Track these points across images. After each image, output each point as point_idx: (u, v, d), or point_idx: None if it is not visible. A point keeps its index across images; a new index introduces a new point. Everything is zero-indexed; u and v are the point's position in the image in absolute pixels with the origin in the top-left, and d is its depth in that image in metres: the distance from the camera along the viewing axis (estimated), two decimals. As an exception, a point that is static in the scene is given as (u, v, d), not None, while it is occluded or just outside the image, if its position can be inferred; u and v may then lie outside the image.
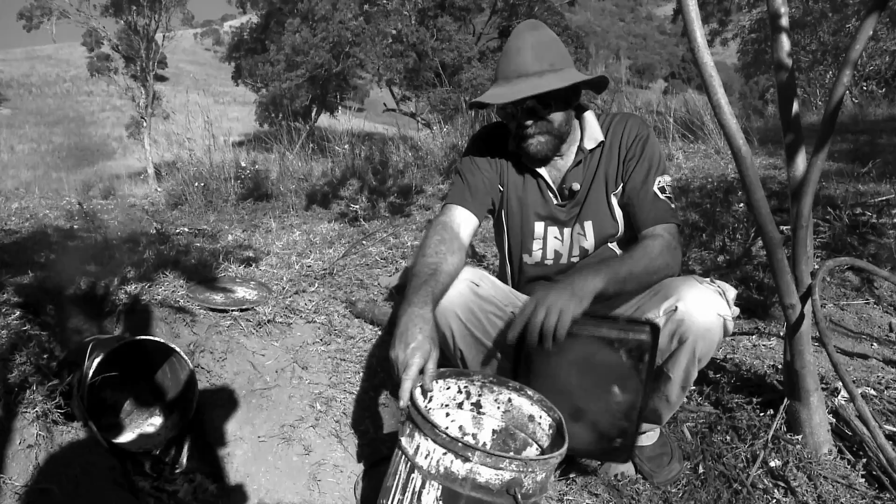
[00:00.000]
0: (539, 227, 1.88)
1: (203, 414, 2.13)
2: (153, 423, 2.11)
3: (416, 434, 1.32)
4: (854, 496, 1.71)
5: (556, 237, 1.87)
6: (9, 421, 1.70)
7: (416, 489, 1.30)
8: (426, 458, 1.30)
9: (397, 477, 1.36)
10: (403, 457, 1.35)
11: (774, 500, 1.73)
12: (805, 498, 1.71)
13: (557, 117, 1.72)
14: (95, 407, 1.93)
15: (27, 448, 1.66)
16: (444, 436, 1.26)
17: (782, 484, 1.77)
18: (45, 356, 1.96)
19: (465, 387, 1.60)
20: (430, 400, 1.57)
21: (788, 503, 1.72)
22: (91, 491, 1.63)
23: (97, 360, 1.80)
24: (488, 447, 1.58)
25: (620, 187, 1.81)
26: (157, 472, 1.93)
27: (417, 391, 1.40)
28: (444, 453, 1.27)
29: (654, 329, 1.51)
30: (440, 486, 1.28)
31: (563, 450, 1.35)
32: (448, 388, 1.59)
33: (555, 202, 1.86)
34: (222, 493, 1.93)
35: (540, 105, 1.69)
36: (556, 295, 1.46)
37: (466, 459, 1.25)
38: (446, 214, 1.83)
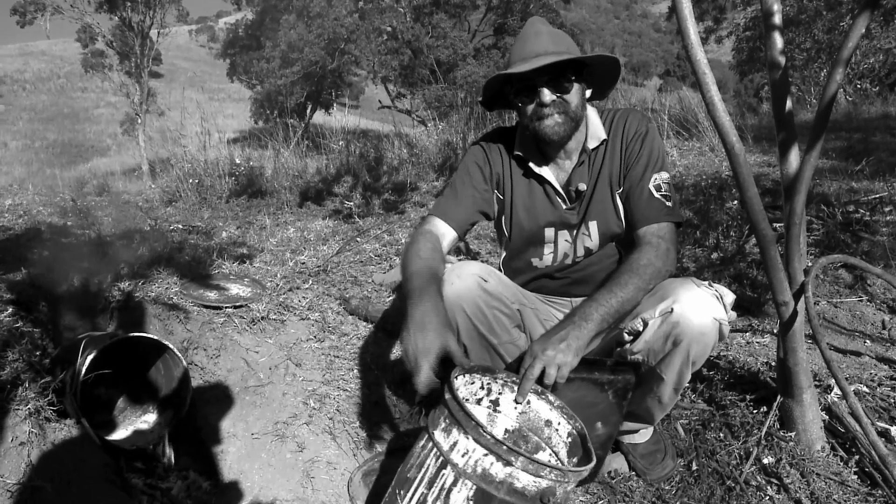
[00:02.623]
0: (549, 233, 1.86)
1: (196, 411, 2.13)
2: (146, 420, 2.11)
3: (455, 430, 1.27)
4: (846, 493, 1.72)
5: (566, 240, 1.86)
6: (1, 418, 1.69)
7: (446, 486, 1.26)
8: (463, 456, 1.25)
9: (424, 470, 1.31)
10: (435, 450, 1.30)
11: (767, 497, 1.73)
12: (798, 495, 1.72)
13: (574, 98, 1.70)
14: (88, 404, 1.91)
15: (19, 445, 1.66)
16: (490, 437, 1.22)
17: (775, 481, 1.78)
18: (37, 353, 1.95)
19: (488, 383, 1.57)
20: (457, 391, 1.56)
21: (781, 500, 1.72)
22: (84, 488, 1.62)
23: (90, 357, 1.79)
24: None
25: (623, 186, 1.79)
26: (150, 470, 1.92)
27: (456, 382, 1.38)
28: (485, 454, 1.23)
29: (637, 368, 1.61)
30: (474, 487, 1.24)
31: (594, 463, 1.34)
32: (472, 383, 1.57)
33: (564, 207, 1.84)
34: (216, 491, 1.92)
35: (561, 79, 1.68)
36: (554, 351, 1.48)
37: (508, 463, 1.22)
38: (431, 224, 1.82)
